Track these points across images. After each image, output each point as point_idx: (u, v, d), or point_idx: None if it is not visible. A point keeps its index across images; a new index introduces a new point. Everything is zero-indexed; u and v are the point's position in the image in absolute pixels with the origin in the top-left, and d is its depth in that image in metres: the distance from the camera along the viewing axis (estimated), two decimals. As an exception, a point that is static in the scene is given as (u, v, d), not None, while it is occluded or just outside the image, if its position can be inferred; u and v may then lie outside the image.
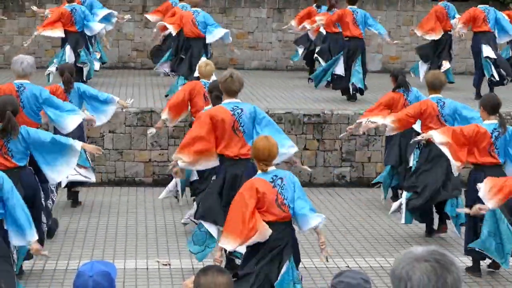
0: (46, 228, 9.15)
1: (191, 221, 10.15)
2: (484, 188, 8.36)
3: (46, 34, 14.95)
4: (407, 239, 10.63)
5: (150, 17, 16.85)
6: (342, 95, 14.99)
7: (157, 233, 10.65)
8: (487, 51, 14.89)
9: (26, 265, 9.16)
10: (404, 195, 10.38)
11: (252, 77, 17.73)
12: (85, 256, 9.58)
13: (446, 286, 3.24)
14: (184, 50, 14.30)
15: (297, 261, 7.70)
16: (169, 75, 15.29)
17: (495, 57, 14.87)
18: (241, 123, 8.69)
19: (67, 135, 9.72)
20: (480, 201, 8.46)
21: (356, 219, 11.48)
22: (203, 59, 13.12)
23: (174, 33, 14.39)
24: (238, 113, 8.70)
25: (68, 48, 14.64)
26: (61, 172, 8.96)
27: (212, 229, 8.68)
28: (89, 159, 11.13)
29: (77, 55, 14.63)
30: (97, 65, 15.91)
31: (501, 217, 8.79)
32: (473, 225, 9.20)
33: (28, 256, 8.70)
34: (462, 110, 10.23)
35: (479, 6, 15.60)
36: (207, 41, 14.15)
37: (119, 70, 18.41)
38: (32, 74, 10.28)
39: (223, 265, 7.93)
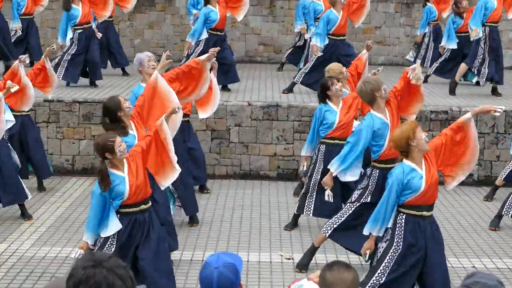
0: None
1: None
2: None
3: None
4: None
5: None
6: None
7: (281, 227, 10.68)
8: None
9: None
10: None
11: (379, 73, 17.54)
12: (210, 248, 9.70)
13: None
14: None
15: None
16: None
17: None
18: None
19: None
20: None
21: (484, 219, 11.22)
22: None
23: None
24: None
25: None
26: None
27: None
28: None
29: None
30: None
31: None
32: None
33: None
34: None
35: None
36: None
37: (246, 64, 18.55)
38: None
39: None
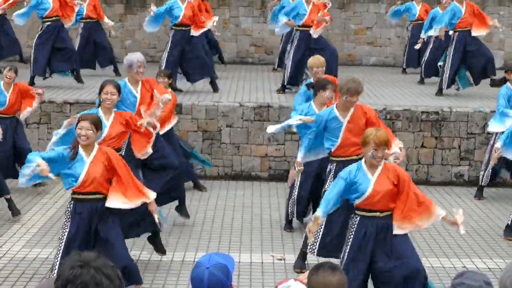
0: None
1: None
2: None
3: None
4: (527, 241, 10.36)
5: None
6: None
7: (272, 227, 10.69)
8: None
9: (144, 256, 9.34)
10: None
11: (370, 73, 17.59)
12: (201, 249, 9.70)
13: None
14: None
15: None
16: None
17: None
18: None
19: None
20: None
21: (474, 219, 11.25)
22: None
23: None
24: None
25: None
26: None
27: None
28: None
29: None
30: None
31: None
32: None
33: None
34: None
35: None
36: None
37: (237, 65, 18.56)
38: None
39: None
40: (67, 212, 7.91)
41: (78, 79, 14.88)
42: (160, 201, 9.46)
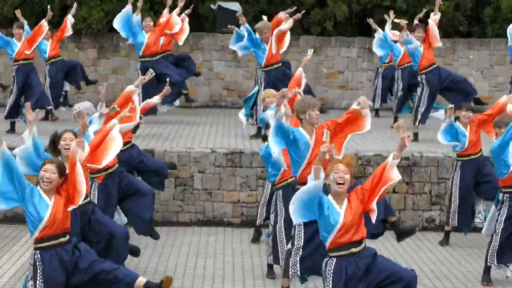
0: None
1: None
2: None
3: None
4: (502, 284, 10.39)
5: None
6: None
7: (245, 275, 10.66)
8: None
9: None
10: None
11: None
12: (173, 298, 9.64)
13: None
14: None
15: None
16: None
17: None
18: None
19: None
20: None
21: (445, 265, 11.29)
22: None
23: None
24: None
25: None
26: None
27: None
28: None
29: None
30: None
31: None
32: None
33: None
34: None
35: None
36: None
37: (210, 109, 18.63)
38: None
39: None
40: (33, 264, 7.72)
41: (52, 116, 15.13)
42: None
